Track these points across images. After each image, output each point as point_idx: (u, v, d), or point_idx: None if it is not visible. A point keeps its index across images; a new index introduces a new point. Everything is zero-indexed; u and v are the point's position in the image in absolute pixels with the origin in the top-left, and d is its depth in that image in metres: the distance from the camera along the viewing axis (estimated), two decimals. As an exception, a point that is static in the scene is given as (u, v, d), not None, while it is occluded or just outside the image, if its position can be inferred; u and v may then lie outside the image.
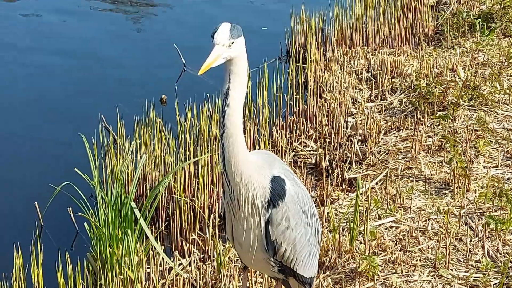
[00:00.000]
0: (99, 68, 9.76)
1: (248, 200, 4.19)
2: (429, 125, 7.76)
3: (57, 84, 9.39)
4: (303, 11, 9.96)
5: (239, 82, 4.01)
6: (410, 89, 8.52)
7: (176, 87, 8.78)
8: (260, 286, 5.56)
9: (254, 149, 7.46)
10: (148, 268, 5.83)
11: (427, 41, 10.14)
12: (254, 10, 12.03)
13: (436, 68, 8.94)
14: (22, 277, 5.31)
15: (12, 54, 10.17)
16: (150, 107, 7.27)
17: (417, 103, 8.06)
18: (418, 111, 7.93)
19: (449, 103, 8.02)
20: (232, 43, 3.93)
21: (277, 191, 4.23)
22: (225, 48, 3.92)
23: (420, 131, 7.54)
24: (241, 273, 4.94)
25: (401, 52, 9.70)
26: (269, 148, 7.48)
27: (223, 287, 5.54)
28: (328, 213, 6.30)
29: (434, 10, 11.01)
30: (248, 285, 5.58)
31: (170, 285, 5.67)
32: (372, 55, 9.62)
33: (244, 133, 7.46)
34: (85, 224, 6.00)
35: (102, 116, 7.86)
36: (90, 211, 5.85)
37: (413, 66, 9.11)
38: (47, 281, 5.44)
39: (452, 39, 9.94)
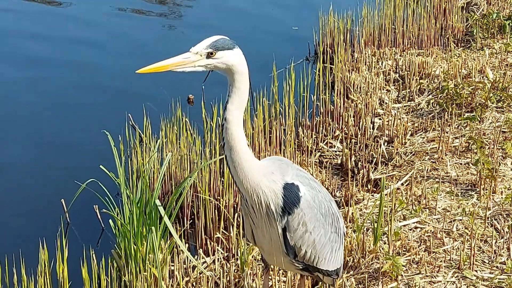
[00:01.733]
0: (127, 67, 9.81)
1: (262, 207, 4.26)
2: (456, 127, 7.73)
3: (85, 82, 9.47)
4: (331, 12, 9.96)
5: (238, 96, 4.10)
6: (438, 90, 8.48)
7: (203, 86, 8.80)
8: (284, 285, 5.56)
9: (280, 149, 7.47)
10: (172, 265, 5.87)
11: (456, 42, 10.10)
12: (286, 8, 12.06)
13: (465, 69, 8.89)
14: (48, 272, 5.36)
15: (44, 49, 10.28)
16: (177, 106, 7.31)
17: (444, 104, 8.03)
18: (446, 112, 7.90)
19: (477, 104, 7.97)
20: (211, 53, 4.01)
21: (291, 199, 4.29)
22: (198, 56, 4.01)
23: (447, 132, 7.51)
24: (263, 274, 4.97)
25: (429, 53, 9.66)
26: (295, 148, 7.49)
27: (246, 286, 5.55)
28: (352, 213, 6.29)
29: (464, 11, 10.97)
30: (270, 284, 5.60)
31: (194, 283, 5.70)
32: (400, 56, 9.59)
33: (268, 133, 7.49)
34: (110, 221, 6.05)
35: (129, 114, 7.92)
36: (116, 209, 5.90)
37: (441, 67, 9.07)
38: (72, 277, 5.48)
39: (481, 40, 9.89)
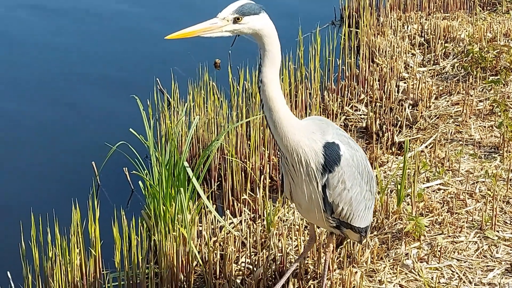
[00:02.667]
0: (155, 32, 9.93)
1: (302, 165, 4.39)
2: (480, 90, 7.79)
3: (115, 47, 9.61)
4: (357, -25, 9.99)
5: (269, 59, 4.21)
6: (462, 54, 8.52)
7: (230, 51, 8.90)
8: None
9: (306, 113, 7.57)
10: (200, 226, 6.01)
11: (481, 5, 10.09)
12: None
13: (490, 33, 8.91)
14: (80, 231, 5.50)
15: (72, 19, 10.42)
16: (204, 70, 7.42)
17: (469, 68, 8.08)
18: (470, 76, 7.95)
19: (502, 68, 8.02)
20: (238, 18, 4.11)
21: (332, 157, 4.41)
22: (225, 22, 4.11)
23: (471, 96, 7.57)
24: (309, 243, 5.13)
25: (455, 17, 9.67)
26: (320, 112, 7.59)
27: (272, 245, 5.68)
28: (376, 175, 6.40)
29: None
30: (296, 244, 5.74)
31: (221, 243, 5.84)
32: (426, 19, 9.62)
33: (294, 97, 7.59)
34: (140, 182, 6.20)
35: (157, 79, 8.05)
36: (145, 171, 6.03)
37: (466, 31, 9.09)
38: (103, 236, 5.61)
39: (507, 4, 9.88)
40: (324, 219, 4.65)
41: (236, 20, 4.14)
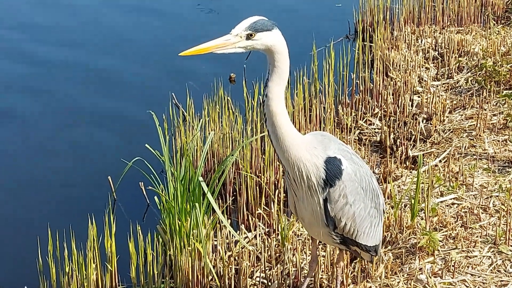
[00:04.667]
0: (171, 47, 10.02)
1: (304, 180, 4.44)
2: (494, 104, 7.81)
3: (130, 62, 9.70)
4: (371, -10, 10.05)
5: (278, 74, 4.26)
6: (476, 68, 8.56)
7: (245, 65, 8.97)
8: (323, 259, 5.72)
9: (320, 127, 7.61)
10: (215, 240, 6.05)
11: (495, 19, 10.12)
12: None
13: (504, 46, 8.94)
14: (96, 246, 5.56)
15: (89, 29, 10.54)
16: (219, 85, 7.48)
17: (483, 82, 8.11)
18: (484, 90, 7.98)
19: (516, 81, 8.06)
20: (251, 35, 4.17)
21: (333, 171, 4.45)
22: (238, 38, 4.17)
23: (485, 110, 7.60)
24: (311, 242, 5.16)
25: (469, 30, 9.71)
26: (334, 126, 7.63)
27: (287, 260, 5.72)
28: (390, 189, 6.43)
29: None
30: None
31: (236, 257, 5.88)
32: (439, 33, 9.66)
33: (308, 111, 7.63)
34: (156, 197, 6.26)
35: (172, 94, 8.12)
36: (161, 186, 6.10)
37: (480, 45, 9.12)
38: (119, 251, 5.68)
39: (521, 17, 9.92)
40: (327, 234, 4.68)
41: (249, 36, 4.20)
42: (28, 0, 11.75)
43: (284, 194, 6.68)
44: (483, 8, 10.37)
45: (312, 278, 5.52)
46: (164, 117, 6.99)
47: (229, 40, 4.21)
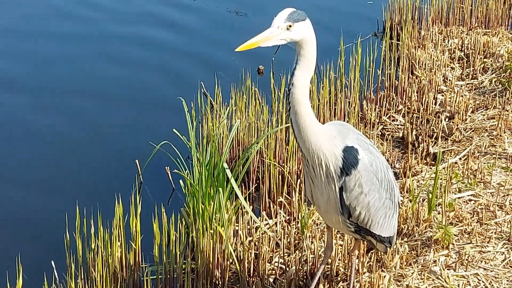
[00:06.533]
0: (202, 39, 10.24)
1: (322, 168, 4.59)
2: (517, 105, 7.94)
3: (163, 51, 9.91)
4: (401, -11, 10.17)
5: (306, 64, 4.42)
6: (501, 70, 8.67)
7: (273, 58, 9.13)
8: (340, 248, 5.89)
9: (344, 120, 7.77)
10: (236, 225, 6.24)
11: (523, 22, 10.23)
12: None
13: (529, 49, 9.06)
14: (122, 225, 5.76)
15: (124, 22, 10.76)
16: (247, 76, 7.66)
17: (506, 83, 8.22)
18: (507, 91, 8.10)
19: (539, 84, 8.17)
20: (290, 26, 4.32)
21: (350, 160, 4.61)
22: (280, 30, 4.33)
23: (507, 111, 7.72)
24: (326, 230, 5.32)
25: (495, 33, 9.81)
26: (358, 120, 7.78)
27: (305, 247, 5.89)
28: (409, 184, 6.59)
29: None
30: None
31: (256, 242, 6.07)
32: (466, 34, 9.76)
33: (333, 105, 7.79)
34: (181, 181, 6.46)
35: (201, 83, 8.33)
36: (186, 171, 6.30)
37: (506, 47, 9.23)
38: (144, 231, 5.87)
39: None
40: (342, 222, 4.83)
41: (288, 27, 4.36)
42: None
43: (306, 184, 6.86)
44: (510, 11, 10.46)
45: (329, 266, 5.70)
46: (192, 104, 7.18)
47: (272, 33, 4.37)
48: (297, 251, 5.97)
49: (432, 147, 7.41)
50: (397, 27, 10.00)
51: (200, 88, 8.24)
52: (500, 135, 7.39)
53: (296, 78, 4.42)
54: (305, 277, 5.72)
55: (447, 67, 8.97)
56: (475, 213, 6.26)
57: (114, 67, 9.47)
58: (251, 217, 6.24)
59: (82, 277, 5.68)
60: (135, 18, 10.96)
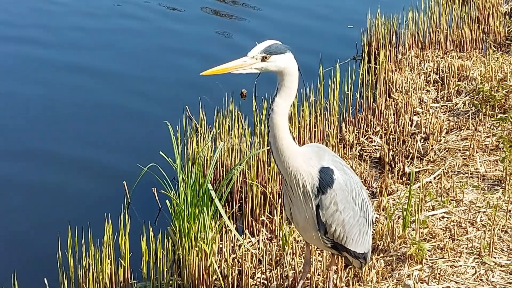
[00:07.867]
0: (187, 64, 10.53)
1: (300, 187, 4.87)
2: (489, 126, 8.27)
3: (149, 75, 10.22)
4: (378, 14, 10.51)
5: (286, 92, 4.68)
6: (474, 92, 9.02)
7: (256, 82, 9.43)
8: (320, 264, 6.18)
9: (323, 142, 8.08)
10: (220, 243, 6.50)
11: (496, 46, 10.59)
12: (346, 8, 12.72)
13: (501, 73, 9.39)
14: (111, 244, 6.04)
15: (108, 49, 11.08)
16: (230, 99, 7.96)
17: (479, 105, 8.56)
18: (480, 113, 8.45)
19: (510, 106, 8.51)
20: (266, 57, 4.60)
21: (326, 180, 4.89)
22: (254, 60, 4.62)
23: (479, 132, 8.06)
24: (305, 246, 5.58)
25: (469, 56, 10.17)
26: (337, 142, 8.09)
27: (286, 263, 6.18)
28: (385, 203, 6.90)
29: (507, 17, 11.43)
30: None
31: (240, 259, 6.33)
32: (442, 58, 10.12)
33: (313, 127, 8.09)
34: (167, 201, 6.72)
35: (186, 106, 8.63)
36: (172, 191, 6.57)
37: (479, 70, 9.59)
38: (132, 249, 6.16)
39: (520, 45, 10.37)
40: (319, 238, 5.09)
41: (264, 59, 4.63)
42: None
43: (287, 203, 7.15)
44: (484, 35, 10.84)
45: (309, 280, 5.99)
46: (178, 127, 7.47)
47: (245, 61, 4.64)
48: (278, 267, 6.25)
49: (408, 167, 7.74)
50: (375, 51, 10.35)
51: (185, 112, 8.54)
52: (473, 155, 7.73)
53: (276, 104, 4.68)
54: (286, 291, 6.01)
55: (423, 89, 9.31)
56: (448, 229, 6.58)
57: (102, 90, 9.77)
58: (234, 235, 6.51)
59: (74, 293, 5.96)
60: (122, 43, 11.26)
